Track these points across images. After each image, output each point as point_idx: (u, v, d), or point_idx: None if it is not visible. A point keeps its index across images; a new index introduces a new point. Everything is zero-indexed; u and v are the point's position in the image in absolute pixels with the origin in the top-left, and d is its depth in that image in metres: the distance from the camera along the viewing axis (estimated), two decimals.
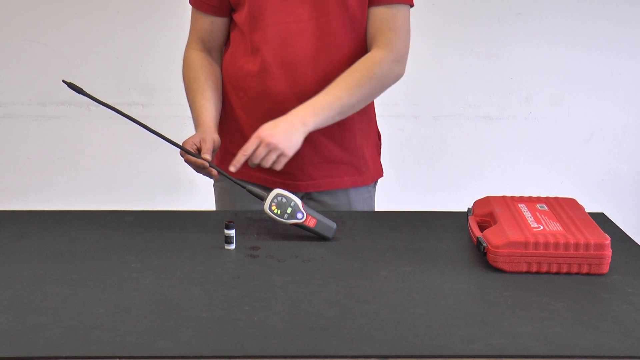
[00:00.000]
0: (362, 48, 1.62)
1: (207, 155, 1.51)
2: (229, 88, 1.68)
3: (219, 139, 1.58)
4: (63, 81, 1.44)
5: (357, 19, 1.59)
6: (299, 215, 1.44)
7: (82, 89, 1.46)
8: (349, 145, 1.68)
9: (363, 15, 1.59)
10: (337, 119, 1.57)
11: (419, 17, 1.66)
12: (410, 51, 1.64)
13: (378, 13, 1.59)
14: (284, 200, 1.44)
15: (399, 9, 1.59)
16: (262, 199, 1.45)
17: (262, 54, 1.60)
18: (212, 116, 1.62)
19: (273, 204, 1.44)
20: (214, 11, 1.64)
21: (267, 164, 1.48)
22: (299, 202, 1.45)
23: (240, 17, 1.62)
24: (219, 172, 1.51)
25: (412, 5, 1.62)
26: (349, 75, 1.56)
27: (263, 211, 1.46)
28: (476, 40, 2.95)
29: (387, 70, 1.59)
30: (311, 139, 1.64)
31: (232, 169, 1.49)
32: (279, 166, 1.50)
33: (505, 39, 2.96)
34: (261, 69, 1.60)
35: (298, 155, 1.65)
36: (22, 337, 1.05)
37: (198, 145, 1.54)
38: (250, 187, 1.48)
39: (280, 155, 1.48)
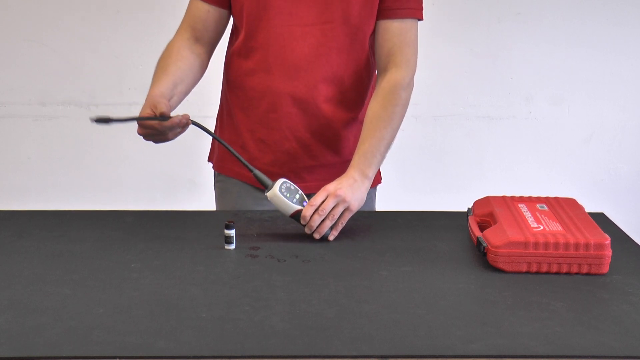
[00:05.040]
0: (362, 56, 1.62)
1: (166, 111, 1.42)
2: (228, 87, 1.68)
3: (169, 105, 1.48)
4: (90, 119, 1.40)
5: (360, 28, 1.58)
6: (305, 204, 1.45)
7: (110, 118, 1.40)
8: (343, 151, 1.68)
9: (366, 26, 1.59)
10: (386, 155, 1.59)
11: None
12: None
13: (393, 28, 1.58)
14: (292, 187, 1.46)
15: (412, 23, 1.60)
16: (267, 187, 1.46)
17: (263, 53, 1.59)
18: (164, 88, 1.52)
19: (282, 188, 1.45)
20: (213, 0, 1.63)
21: (335, 217, 1.46)
22: (303, 194, 1.47)
23: (242, 16, 1.61)
24: (225, 147, 1.46)
25: (420, 19, 1.62)
26: (382, 110, 1.57)
27: (266, 198, 1.46)
28: (476, 40, 2.95)
29: (410, 89, 1.61)
30: (306, 143, 1.64)
31: (307, 230, 1.46)
32: (340, 225, 1.48)
33: (505, 39, 2.95)
34: (261, 68, 1.60)
35: (292, 158, 1.65)
36: (22, 337, 1.05)
37: (151, 113, 1.44)
38: (257, 172, 1.47)
39: (346, 209, 1.47)
